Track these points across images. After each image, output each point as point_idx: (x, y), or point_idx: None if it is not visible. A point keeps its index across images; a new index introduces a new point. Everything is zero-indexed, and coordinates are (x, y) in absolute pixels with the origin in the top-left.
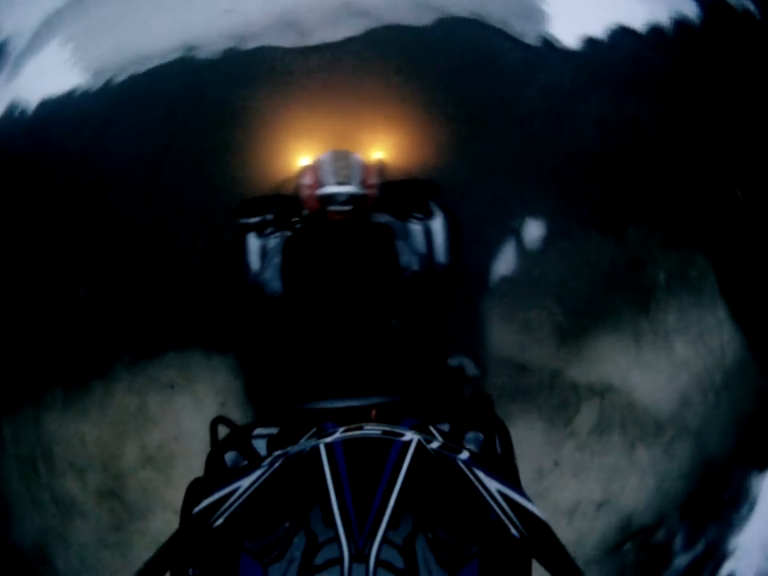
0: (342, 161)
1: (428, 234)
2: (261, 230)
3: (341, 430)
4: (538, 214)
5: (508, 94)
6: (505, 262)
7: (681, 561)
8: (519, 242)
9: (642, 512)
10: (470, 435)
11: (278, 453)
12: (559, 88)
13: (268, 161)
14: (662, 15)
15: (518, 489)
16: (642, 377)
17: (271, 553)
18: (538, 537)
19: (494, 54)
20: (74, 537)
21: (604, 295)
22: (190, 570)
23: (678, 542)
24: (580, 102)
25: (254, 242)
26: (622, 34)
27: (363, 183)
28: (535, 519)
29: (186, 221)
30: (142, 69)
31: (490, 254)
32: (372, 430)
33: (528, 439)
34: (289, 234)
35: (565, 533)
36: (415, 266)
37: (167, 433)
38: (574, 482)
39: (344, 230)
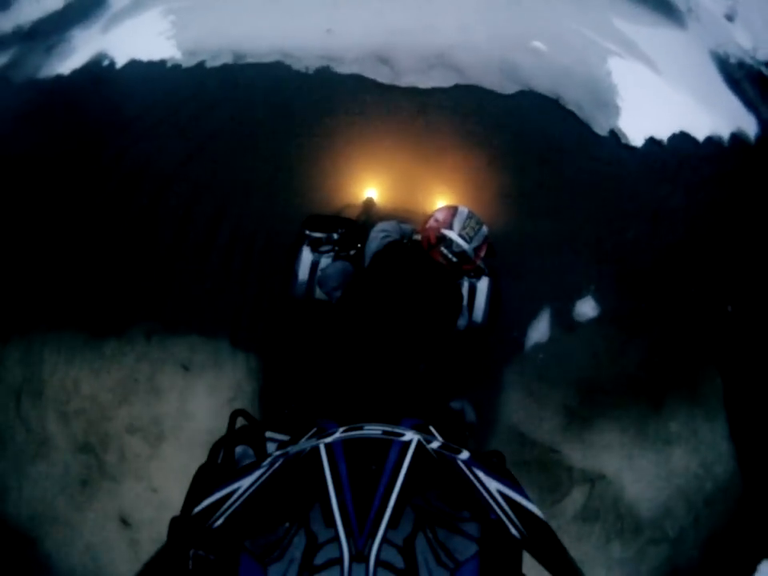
0: (474, 223)
1: (472, 291)
2: (317, 246)
3: (341, 430)
4: (578, 298)
5: (572, 175)
6: (536, 335)
7: None
8: (554, 320)
9: None
10: None
11: (277, 453)
12: (618, 180)
13: (335, 184)
14: (723, 128)
15: (518, 489)
16: (634, 475)
17: (271, 553)
18: (538, 536)
19: (564, 134)
20: (36, 477)
21: (618, 390)
22: (192, 551)
23: None
24: (635, 196)
25: (306, 255)
26: (682, 139)
27: (476, 250)
28: (535, 519)
29: (248, 219)
30: (237, 63)
31: (525, 322)
32: (372, 429)
33: None
34: (342, 255)
35: None
36: (462, 325)
37: (167, 409)
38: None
39: (430, 276)
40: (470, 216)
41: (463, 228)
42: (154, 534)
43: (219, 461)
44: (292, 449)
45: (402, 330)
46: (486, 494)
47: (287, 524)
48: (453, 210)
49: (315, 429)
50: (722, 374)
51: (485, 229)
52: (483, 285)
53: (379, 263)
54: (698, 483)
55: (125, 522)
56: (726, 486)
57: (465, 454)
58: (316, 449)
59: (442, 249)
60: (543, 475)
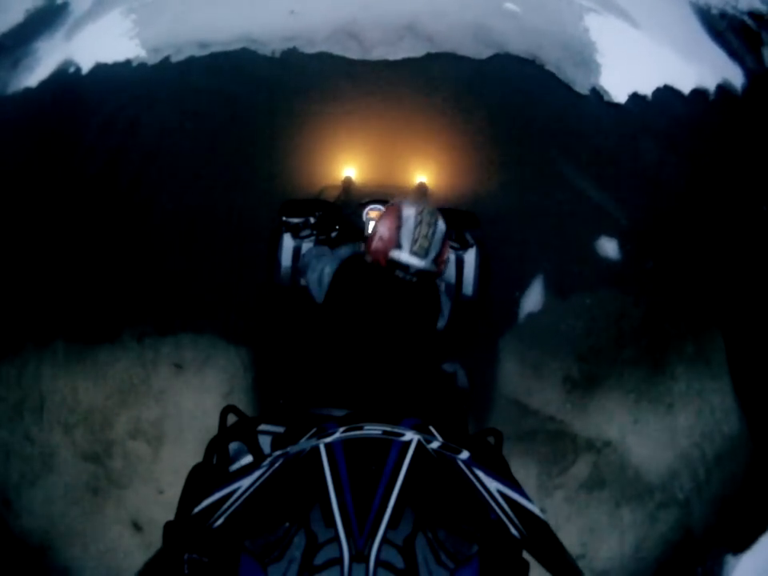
0: (425, 227)
1: (459, 264)
2: (297, 232)
3: (341, 429)
4: (570, 263)
5: (556, 137)
6: (530, 304)
7: None
8: (547, 286)
9: (615, 573)
10: None
11: (277, 453)
12: (602, 138)
13: (312, 167)
14: (708, 80)
15: (518, 489)
16: (640, 440)
17: (271, 553)
18: (538, 536)
19: (545, 96)
20: (47, 490)
21: (618, 354)
22: (186, 555)
23: None
24: (621, 154)
25: (288, 242)
26: (667, 93)
27: (437, 259)
28: (535, 519)
29: (223, 210)
30: (201, 54)
31: (517, 292)
32: (372, 429)
33: (520, 482)
34: (322, 238)
35: None
36: (441, 326)
37: (165, 410)
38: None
39: (396, 294)
40: (419, 220)
41: (414, 242)
42: None
43: (214, 460)
44: (292, 449)
45: (382, 346)
46: (485, 494)
47: (287, 524)
48: (396, 221)
49: (315, 429)
50: (724, 333)
51: (441, 225)
52: (470, 257)
53: (342, 284)
54: (705, 444)
55: (137, 526)
56: (734, 445)
57: (465, 454)
58: (316, 449)
59: (398, 273)
60: (548, 445)
